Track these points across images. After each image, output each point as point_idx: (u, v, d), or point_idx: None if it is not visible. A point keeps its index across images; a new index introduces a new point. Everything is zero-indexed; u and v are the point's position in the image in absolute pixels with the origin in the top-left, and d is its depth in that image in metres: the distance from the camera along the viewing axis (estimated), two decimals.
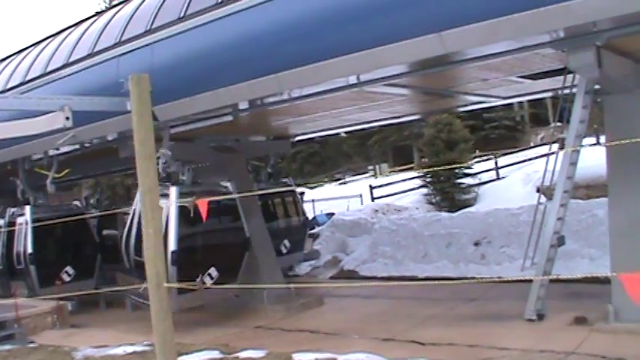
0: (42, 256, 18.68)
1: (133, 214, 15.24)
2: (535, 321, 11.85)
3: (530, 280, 11.95)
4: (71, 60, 17.34)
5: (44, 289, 17.78)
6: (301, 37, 11.87)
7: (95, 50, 16.48)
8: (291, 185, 22.42)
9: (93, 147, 17.67)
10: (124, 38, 15.59)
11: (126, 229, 15.52)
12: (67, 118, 12.97)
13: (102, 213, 20.28)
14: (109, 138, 16.58)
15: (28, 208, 19.20)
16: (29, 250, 18.34)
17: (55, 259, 19.38)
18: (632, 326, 10.71)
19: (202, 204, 6.81)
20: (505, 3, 9.39)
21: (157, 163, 12.97)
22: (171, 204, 14.38)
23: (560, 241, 11.85)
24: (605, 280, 10.76)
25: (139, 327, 13.52)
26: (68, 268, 19.07)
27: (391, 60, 10.95)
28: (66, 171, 18.95)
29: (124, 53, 15.28)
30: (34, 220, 18.46)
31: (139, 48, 14.90)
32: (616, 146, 10.79)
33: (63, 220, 16.90)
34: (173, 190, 14.86)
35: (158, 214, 5.89)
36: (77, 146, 17.38)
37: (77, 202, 22.30)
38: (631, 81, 11.67)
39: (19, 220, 19.13)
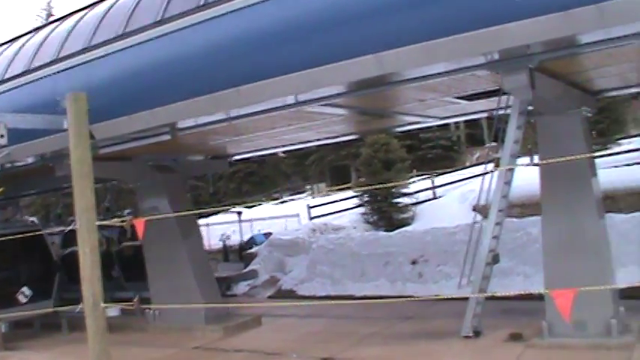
0: None
1: None
2: (472, 338, 11.97)
3: (467, 298, 12.10)
4: (7, 76, 17.04)
5: None
6: (239, 57, 11.87)
7: (32, 67, 16.23)
8: None
9: (28, 165, 17.28)
10: (61, 55, 15.39)
11: None
12: (2, 136, 12.75)
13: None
14: (45, 156, 16.22)
15: None
16: None
17: (10, 279, 18.02)
18: (565, 341, 10.95)
19: (139, 223, 6.72)
20: (441, 25, 9.56)
21: None
22: None
23: (496, 259, 12.00)
24: (539, 297, 10.96)
25: (74, 349, 13.31)
26: (25, 289, 17.83)
27: (329, 80, 11.01)
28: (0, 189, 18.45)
29: (61, 70, 15.07)
30: None
31: (77, 65, 14.71)
32: (549, 166, 11.03)
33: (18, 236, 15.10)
34: None
35: (94, 233, 5.83)
36: (10, 164, 16.98)
37: (33, 218, 21.17)
38: (562, 102, 11.97)
39: None
